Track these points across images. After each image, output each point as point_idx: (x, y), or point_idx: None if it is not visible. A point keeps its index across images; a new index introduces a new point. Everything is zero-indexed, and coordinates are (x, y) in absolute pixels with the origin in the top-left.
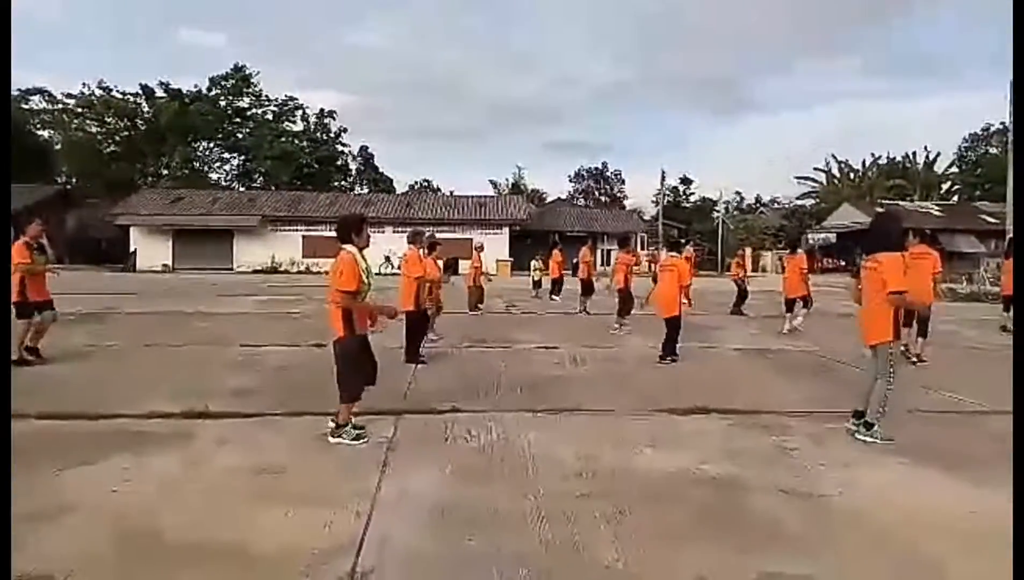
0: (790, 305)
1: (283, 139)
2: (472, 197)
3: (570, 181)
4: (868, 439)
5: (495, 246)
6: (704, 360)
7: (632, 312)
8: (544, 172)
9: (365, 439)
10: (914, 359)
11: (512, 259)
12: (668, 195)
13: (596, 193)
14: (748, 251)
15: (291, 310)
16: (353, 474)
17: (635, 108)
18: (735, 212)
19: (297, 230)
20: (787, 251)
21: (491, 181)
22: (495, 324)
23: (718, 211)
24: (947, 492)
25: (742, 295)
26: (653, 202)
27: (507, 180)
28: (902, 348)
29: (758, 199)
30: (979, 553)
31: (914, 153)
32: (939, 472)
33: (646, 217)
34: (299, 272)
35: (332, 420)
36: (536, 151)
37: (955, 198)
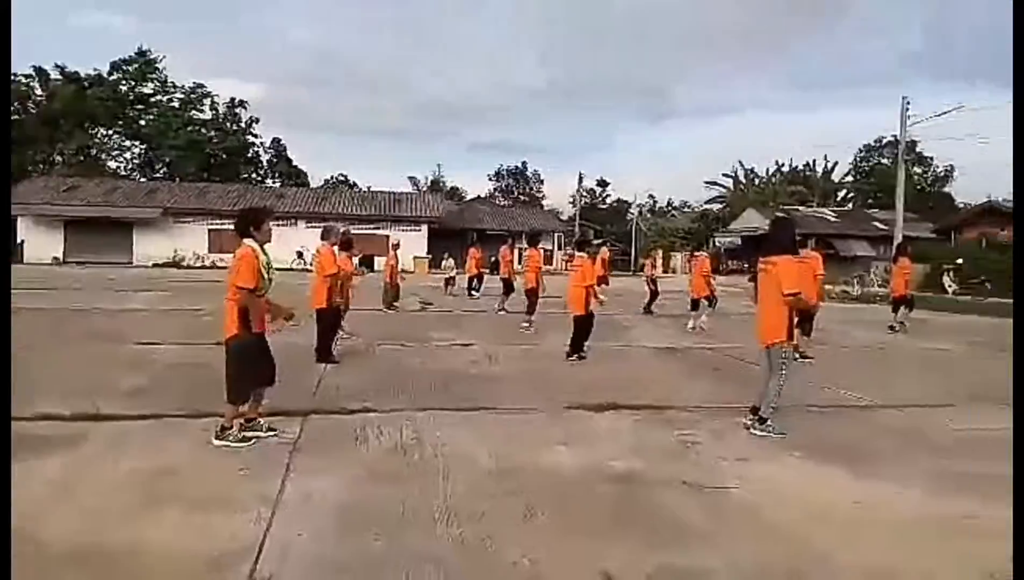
0: (695, 305)
1: (189, 128)
2: (390, 193)
3: (490, 180)
4: (762, 433)
5: (413, 244)
6: (616, 358)
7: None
8: (465, 171)
9: (252, 442)
10: (801, 357)
11: (430, 257)
12: (585, 197)
13: (515, 192)
14: (659, 252)
15: (192, 306)
16: (255, 477)
17: (556, 111)
18: (648, 214)
19: (203, 223)
20: (695, 253)
21: (410, 178)
22: (411, 322)
23: (632, 213)
24: (835, 483)
25: (653, 295)
26: (571, 203)
27: (427, 177)
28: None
29: (670, 202)
30: (863, 542)
31: (814, 162)
32: (828, 465)
33: (563, 217)
34: (204, 267)
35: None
36: (458, 150)
37: (850, 205)
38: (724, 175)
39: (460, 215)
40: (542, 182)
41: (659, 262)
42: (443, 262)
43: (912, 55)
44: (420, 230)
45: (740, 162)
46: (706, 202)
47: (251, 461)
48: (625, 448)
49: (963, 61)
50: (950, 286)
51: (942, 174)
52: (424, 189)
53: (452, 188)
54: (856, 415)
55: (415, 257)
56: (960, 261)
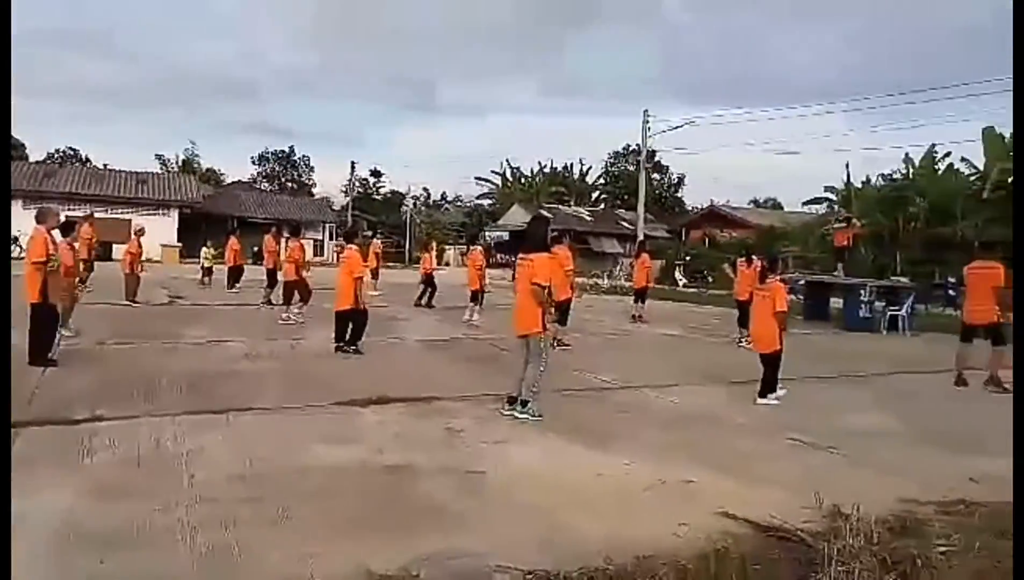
0: (473, 297)
1: None
2: (133, 173)
3: (253, 164)
4: (522, 417)
5: (161, 230)
6: (388, 351)
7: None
8: (224, 152)
9: None
10: (558, 344)
11: (181, 245)
12: (359, 186)
13: (282, 178)
14: (434, 245)
15: None
16: None
17: (328, 96)
18: (423, 207)
19: None
20: (470, 247)
21: (158, 156)
22: (156, 317)
23: (407, 205)
24: (581, 460)
25: (431, 288)
26: (343, 192)
27: (178, 157)
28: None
29: (444, 196)
30: (602, 511)
31: (572, 164)
32: (577, 443)
33: (335, 207)
34: None
35: None
36: (217, 129)
37: (602, 205)
38: (493, 172)
39: (219, 200)
40: (312, 169)
41: (434, 255)
42: (202, 250)
43: (653, 75)
44: (170, 215)
45: (508, 161)
46: (477, 197)
47: None
48: (390, 441)
49: (695, 85)
50: (680, 279)
51: (676, 181)
52: (175, 170)
53: (208, 170)
54: (601, 396)
55: (163, 245)
56: (688, 257)
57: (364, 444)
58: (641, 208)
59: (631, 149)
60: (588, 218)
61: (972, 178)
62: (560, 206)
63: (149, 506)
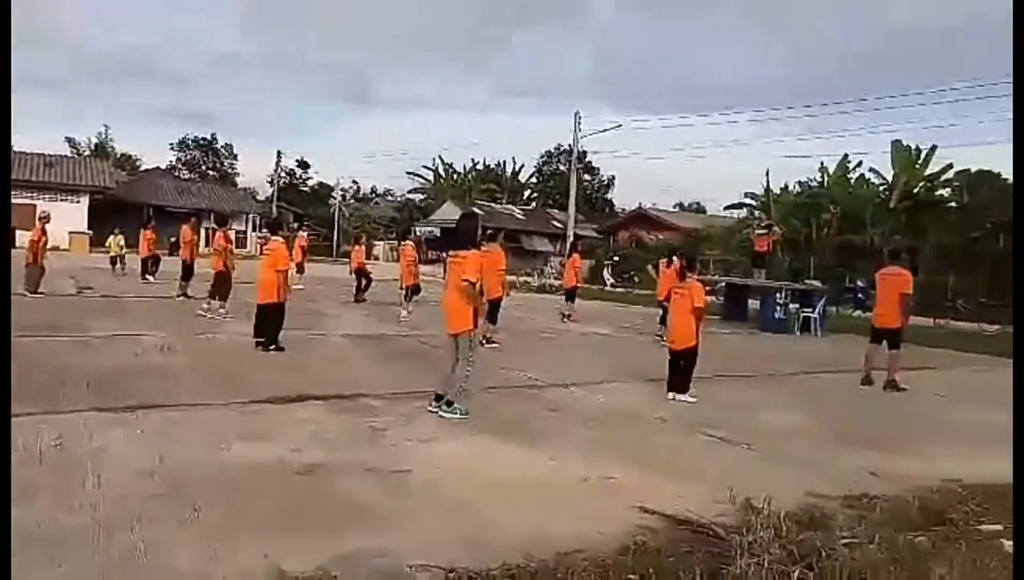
0: (406, 293)
1: None
2: (40, 155)
3: (172, 150)
4: (448, 415)
5: (70, 216)
6: (310, 346)
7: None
8: (141, 137)
9: None
10: (487, 342)
11: (91, 233)
12: (284, 177)
13: (203, 166)
14: (364, 238)
15: None
16: None
17: (254, 82)
18: (352, 201)
19: None
20: (402, 242)
21: (68, 139)
22: (62, 309)
23: (335, 198)
24: (508, 457)
25: (365, 282)
26: (268, 182)
27: (90, 140)
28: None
29: (374, 190)
30: (526, 508)
31: (504, 162)
32: (504, 441)
33: (260, 198)
34: None
35: None
36: (133, 113)
37: (534, 204)
38: (425, 167)
39: (134, 187)
40: (235, 158)
41: (363, 250)
42: (108, 240)
43: (585, 77)
44: (79, 202)
45: (440, 157)
46: (409, 192)
47: None
48: (310, 439)
49: (626, 89)
50: (608, 279)
51: (606, 182)
52: (86, 154)
53: (124, 156)
54: (529, 394)
55: (72, 233)
56: (616, 258)
57: (282, 442)
58: (572, 208)
59: (563, 150)
60: (520, 216)
61: (881, 188)
62: (492, 204)
63: (47, 509)
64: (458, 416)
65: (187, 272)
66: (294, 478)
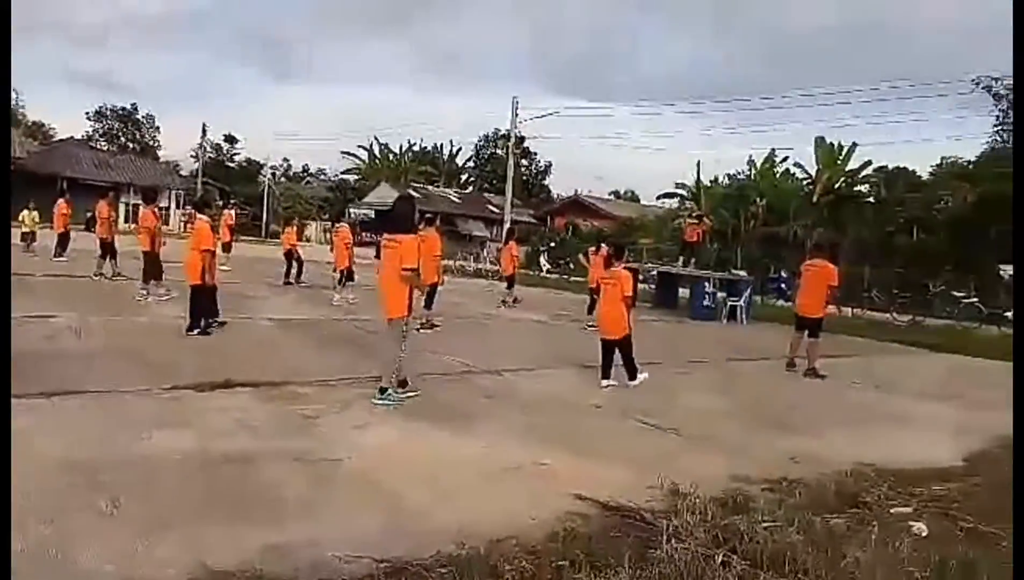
0: (341, 276)
1: None
2: None
3: (89, 119)
4: (382, 402)
5: None
6: (238, 331)
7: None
8: (55, 104)
9: None
10: (423, 327)
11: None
12: (211, 152)
13: (123, 138)
14: (296, 220)
15: None
16: None
17: (177, 51)
18: (283, 179)
19: None
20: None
21: None
22: None
23: (264, 176)
24: (442, 445)
25: (297, 265)
26: (193, 157)
27: None
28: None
29: (306, 168)
30: (457, 495)
31: (442, 145)
32: (437, 428)
33: (184, 173)
34: None
35: None
36: (45, 78)
37: (471, 188)
38: (360, 147)
39: (47, 158)
40: (158, 130)
41: (295, 231)
42: (21, 214)
43: (524, 64)
44: None
45: (375, 137)
46: (342, 172)
47: None
48: (235, 428)
49: (564, 75)
50: (545, 265)
51: (543, 168)
52: None
53: (35, 124)
54: (463, 380)
55: None
56: (553, 244)
57: (206, 430)
58: (509, 193)
59: (500, 134)
60: (456, 200)
61: (805, 182)
62: (429, 186)
63: None
64: (392, 404)
65: (105, 250)
66: (218, 469)
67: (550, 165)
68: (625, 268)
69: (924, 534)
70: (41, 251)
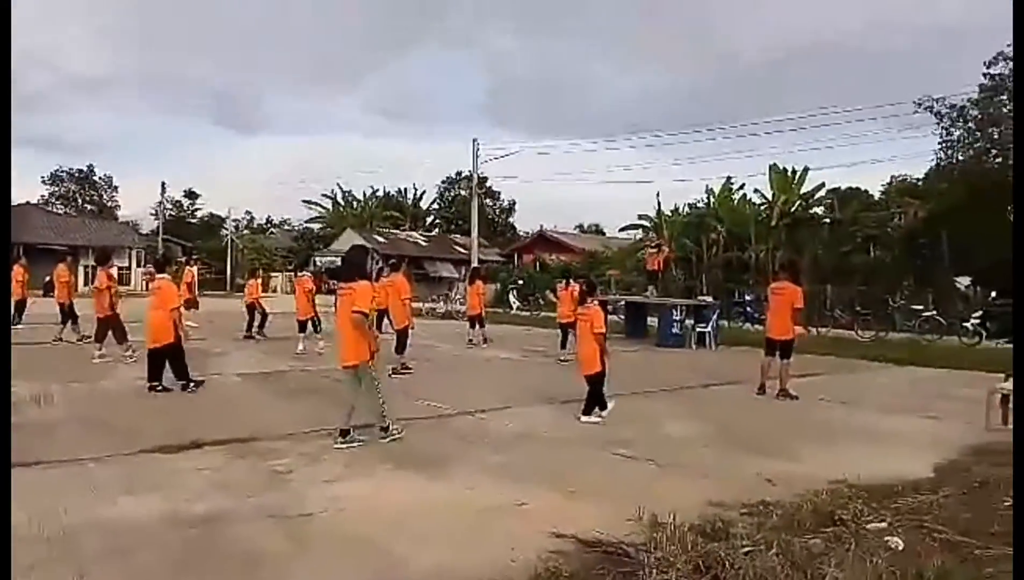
0: (302, 326)
1: None
2: None
3: (45, 183)
4: (387, 442)
5: None
6: (205, 388)
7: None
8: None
9: None
10: (395, 372)
11: None
12: (171, 209)
13: (80, 200)
14: (261, 272)
15: None
16: None
17: (131, 109)
18: (245, 231)
19: None
20: (298, 273)
21: None
22: None
23: (227, 229)
24: (417, 490)
25: (262, 316)
26: (152, 215)
27: None
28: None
29: (269, 220)
30: (435, 541)
31: (406, 189)
32: (412, 473)
33: (144, 231)
34: None
35: None
36: None
37: (436, 230)
38: (324, 195)
39: None
40: (116, 189)
41: (259, 283)
42: None
43: (482, 104)
44: None
45: (339, 184)
46: (307, 221)
47: None
48: (206, 488)
49: (523, 115)
50: (514, 303)
51: (507, 207)
52: None
53: None
54: (437, 423)
55: None
56: (521, 282)
57: (174, 493)
58: (475, 233)
59: (463, 175)
60: (423, 243)
61: (762, 207)
62: (395, 230)
63: None
64: (396, 436)
65: (65, 315)
66: (189, 531)
67: (514, 203)
68: (598, 302)
69: (900, 548)
70: None
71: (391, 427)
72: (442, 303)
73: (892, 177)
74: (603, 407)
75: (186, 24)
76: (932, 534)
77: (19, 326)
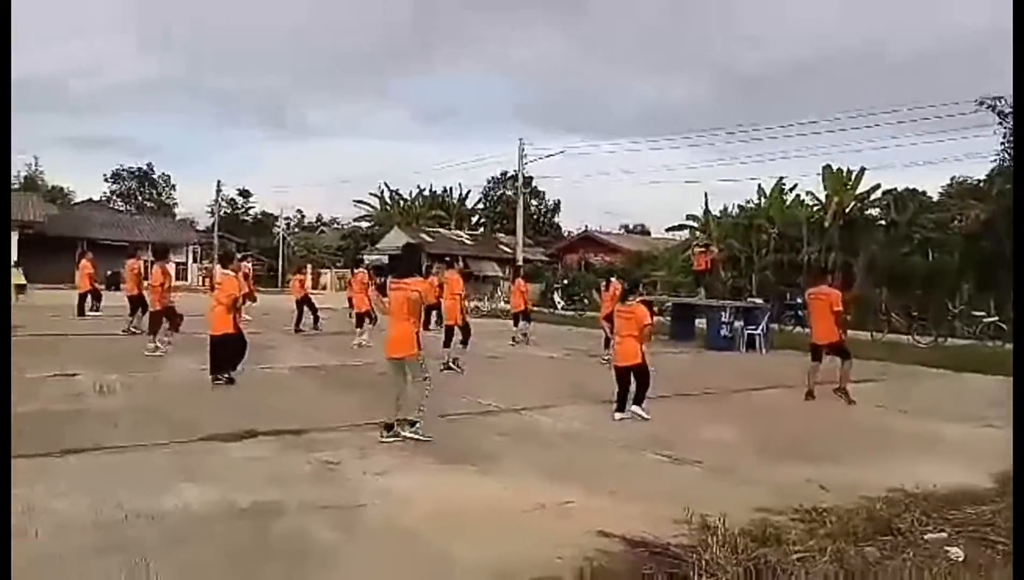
0: (359, 320)
1: None
2: None
3: (107, 181)
4: (410, 437)
5: None
6: (258, 380)
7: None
8: (73, 169)
9: None
10: (446, 367)
11: (21, 269)
12: (225, 207)
13: (140, 197)
14: (309, 268)
15: None
16: None
17: (189, 110)
18: (296, 229)
19: None
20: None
21: None
22: None
23: (279, 227)
24: (465, 486)
25: (312, 311)
26: (208, 213)
27: (19, 173)
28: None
29: (319, 218)
30: (480, 535)
31: (451, 189)
32: (459, 469)
33: (200, 228)
34: None
35: None
36: (64, 144)
37: (481, 229)
38: (371, 194)
39: (65, 221)
40: (174, 188)
41: (308, 279)
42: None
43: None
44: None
45: (386, 184)
46: (355, 220)
47: None
48: (261, 478)
49: (564, 118)
50: (559, 302)
51: (552, 206)
52: (15, 187)
53: (55, 188)
54: (483, 420)
55: None
56: (565, 281)
57: (230, 484)
58: (520, 232)
59: (508, 176)
60: (468, 242)
61: (815, 209)
62: (440, 229)
63: None
64: (420, 438)
65: (134, 306)
66: (245, 521)
67: (559, 203)
68: (641, 301)
69: (960, 559)
70: (62, 310)
71: (418, 425)
72: (487, 301)
73: (952, 178)
74: (638, 402)
75: (240, 32)
76: (994, 546)
77: (98, 312)
